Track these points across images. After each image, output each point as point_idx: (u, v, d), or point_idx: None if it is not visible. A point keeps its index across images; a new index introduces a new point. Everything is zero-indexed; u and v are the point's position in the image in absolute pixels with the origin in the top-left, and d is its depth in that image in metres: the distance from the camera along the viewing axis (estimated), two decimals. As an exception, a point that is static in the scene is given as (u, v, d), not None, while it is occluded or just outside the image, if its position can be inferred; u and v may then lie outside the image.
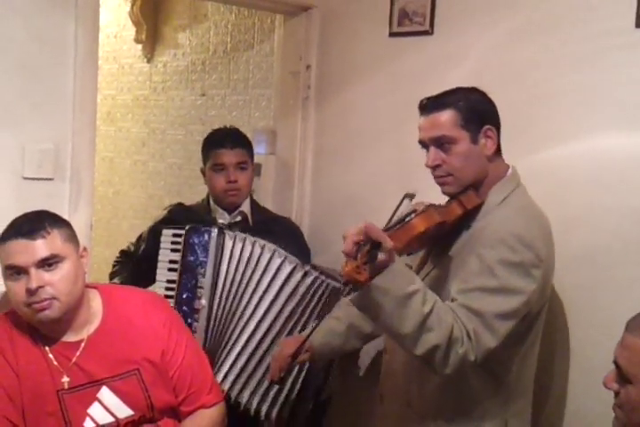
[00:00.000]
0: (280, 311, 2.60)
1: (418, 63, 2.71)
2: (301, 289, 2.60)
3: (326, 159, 3.10)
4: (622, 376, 1.54)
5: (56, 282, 1.92)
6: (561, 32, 2.39)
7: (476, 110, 2.02)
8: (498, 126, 2.07)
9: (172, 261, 2.62)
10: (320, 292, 2.62)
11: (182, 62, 3.97)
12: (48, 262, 1.92)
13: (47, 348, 2.01)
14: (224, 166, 2.75)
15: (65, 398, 1.98)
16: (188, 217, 2.76)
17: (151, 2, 4.00)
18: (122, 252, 2.92)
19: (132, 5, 4.00)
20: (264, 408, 2.59)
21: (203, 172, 2.85)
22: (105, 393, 2.02)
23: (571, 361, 2.38)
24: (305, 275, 2.60)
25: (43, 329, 2.00)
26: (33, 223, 1.96)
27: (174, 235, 2.62)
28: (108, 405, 2.02)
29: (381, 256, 1.72)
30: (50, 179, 2.42)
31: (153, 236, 2.74)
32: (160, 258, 2.63)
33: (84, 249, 2.08)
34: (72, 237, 2.02)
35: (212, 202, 2.83)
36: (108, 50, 4.27)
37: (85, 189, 2.50)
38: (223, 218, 2.79)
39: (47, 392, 1.98)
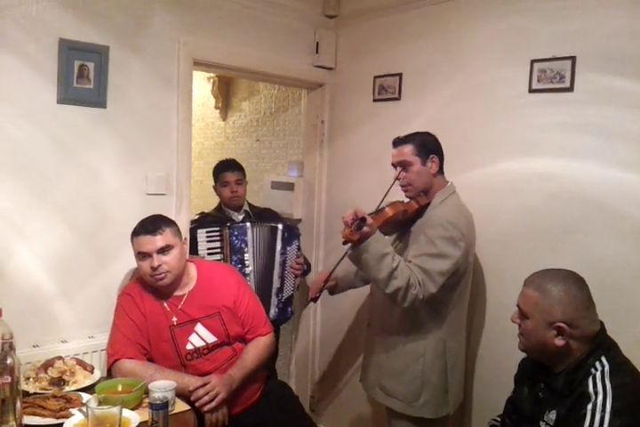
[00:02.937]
0: (258, 251, 2.69)
1: (391, 118, 2.73)
2: (259, 233, 2.70)
3: (334, 179, 3.10)
4: (522, 314, 1.56)
5: (169, 262, 1.99)
6: (480, 97, 2.39)
7: (426, 145, 2.06)
8: (441, 155, 2.11)
9: (209, 248, 2.65)
10: (262, 230, 2.71)
11: (244, 120, 4.01)
12: (163, 250, 1.98)
13: (163, 299, 2.07)
14: (228, 183, 2.82)
15: (174, 330, 2.04)
16: (210, 219, 2.82)
17: (224, 83, 4.04)
18: None
19: (213, 85, 4.04)
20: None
21: (214, 188, 2.91)
22: (199, 327, 2.07)
23: (488, 304, 2.38)
24: (255, 226, 2.71)
25: (160, 289, 2.05)
26: (154, 224, 2.02)
27: (207, 231, 2.66)
28: (201, 334, 2.06)
29: (366, 228, 1.78)
30: (163, 194, 2.46)
31: (190, 235, 2.72)
32: (200, 248, 2.64)
33: (185, 239, 2.13)
34: (178, 233, 2.07)
35: (223, 207, 2.87)
36: (199, 113, 4.28)
37: (185, 200, 2.54)
38: (235, 216, 2.85)
39: (163, 327, 2.03)
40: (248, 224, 2.67)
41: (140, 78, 2.35)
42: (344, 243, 1.84)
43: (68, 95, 2.14)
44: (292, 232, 2.78)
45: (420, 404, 2.03)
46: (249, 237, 2.65)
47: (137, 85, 2.34)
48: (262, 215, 2.88)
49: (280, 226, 2.73)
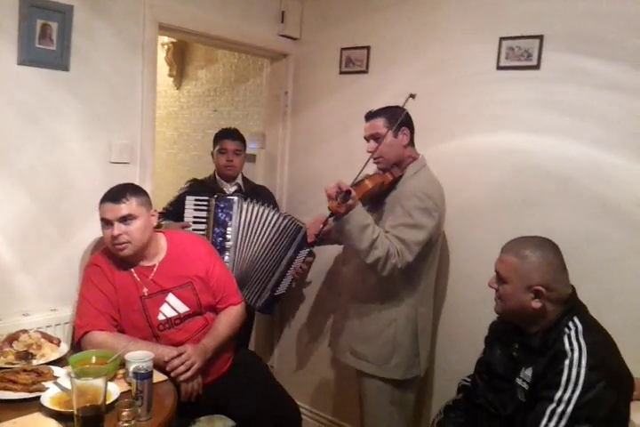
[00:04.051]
0: (271, 242, 2.61)
1: (358, 91, 2.73)
2: (282, 227, 2.61)
3: (298, 152, 3.09)
4: (500, 279, 1.63)
5: (130, 232, 1.94)
6: (449, 72, 2.42)
7: (397, 118, 2.08)
8: (412, 128, 2.15)
9: (195, 217, 2.59)
10: (290, 227, 2.62)
11: (200, 89, 3.91)
12: (125, 219, 1.93)
13: (132, 269, 2.02)
14: (226, 151, 2.75)
15: (145, 301, 2.01)
16: (202, 187, 2.75)
17: (179, 50, 3.92)
18: (160, 213, 2.80)
19: (167, 52, 3.91)
20: (254, 300, 2.62)
21: (212, 153, 2.84)
22: (171, 297, 2.04)
23: (451, 273, 2.46)
24: (284, 218, 2.61)
25: (124, 259, 2.00)
26: (119, 192, 1.96)
27: (197, 199, 2.60)
28: (173, 304, 2.04)
29: (350, 201, 1.82)
30: (127, 163, 2.39)
31: (177, 202, 2.70)
32: (186, 215, 2.59)
33: (154, 211, 2.07)
34: (145, 203, 2.01)
35: (217, 177, 2.81)
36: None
37: (149, 170, 2.48)
38: (226, 187, 2.78)
39: (133, 298, 2.00)
40: (235, 198, 2.59)
41: (105, 41, 2.25)
42: (330, 215, 1.87)
43: (29, 56, 2.03)
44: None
45: (391, 366, 2.11)
46: (234, 212, 2.56)
47: (101, 49, 2.25)
48: (256, 192, 2.80)
49: (304, 227, 2.63)
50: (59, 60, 2.12)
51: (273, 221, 2.60)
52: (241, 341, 2.49)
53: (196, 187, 2.77)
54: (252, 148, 3.24)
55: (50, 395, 1.60)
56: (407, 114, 2.14)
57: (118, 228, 1.92)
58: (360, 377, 2.21)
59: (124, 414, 1.45)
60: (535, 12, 2.18)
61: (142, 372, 1.53)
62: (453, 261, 2.45)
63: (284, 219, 2.61)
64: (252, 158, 3.18)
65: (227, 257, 2.53)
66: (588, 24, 2.06)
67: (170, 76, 4.00)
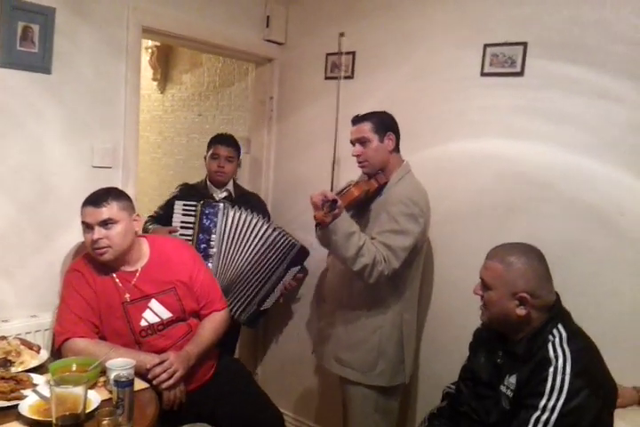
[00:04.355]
0: (259, 255, 2.58)
1: (343, 96, 2.70)
2: (271, 240, 2.59)
3: (282, 157, 3.08)
4: (485, 286, 1.62)
5: (111, 236, 1.91)
6: (433, 78, 2.43)
7: (383, 123, 2.11)
8: (397, 133, 2.16)
9: (183, 222, 2.56)
10: (282, 242, 2.61)
11: (185, 94, 3.88)
12: (106, 223, 1.91)
13: (114, 274, 1.99)
14: (218, 156, 2.72)
15: (127, 307, 1.98)
16: (192, 192, 2.71)
17: (163, 54, 3.89)
18: (150, 216, 2.78)
19: (151, 56, 3.88)
20: (238, 313, 2.60)
21: (205, 158, 2.79)
22: (153, 303, 2.01)
23: (436, 280, 2.46)
24: (273, 231, 2.60)
25: (106, 264, 1.98)
26: (100, 196, 1.94)
27: (185, 204, 2.58)
28: (156, 310, 2.01)
29: (336, 210, 1.82)
30: (109, 167, 2.36)
31: (167, 206, 2.68)
32: (174, 219, 2.56)
33: (137, 215, 2.04)
34: (127, 207, 1.98)
35: (208, 182, 2.77)
36: (134, 85, 4.14)
37: (132, 175, 2.45)
38: (216, 193, 2.73)
39: (115, 303, 1.97)
40: (221, 205, 2.56)
41: (88, 44, 2.23)
42: (317, 225, 1.87)
43: (10, 59, 2.01)
44: (304, 255, 2.70)
45: (376, 373, 2.10)
46: (219, 218, 2.53)
47: (84, 52, 2.23)
48: (246, 199, 2.76)
49: (298, 245, 2.62)
50: (40, 63, 2.10)
51: (261, 232, 2.58)
52: (226, 348, 2.47)
53: (185, 191, 2.74)
54: (236, 152, 3.24)
55: (29, 403, 1.57)
56: (393, 119, 2.17)
57: (98, 232, 1.90)
58: (344, 385, 2.20)
59: (105, 422, 1.43)
60: (519, 19, 2.19)
61: (123, 380, 1.51)
62: (438, 267, 2.45)
63: (273, 231, 2.59)
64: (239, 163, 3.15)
65: (210, 264, 2.51)
66: (572, 31, 2.08)
67: (154, 80, 3.96)
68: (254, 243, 2.57)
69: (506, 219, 2.24)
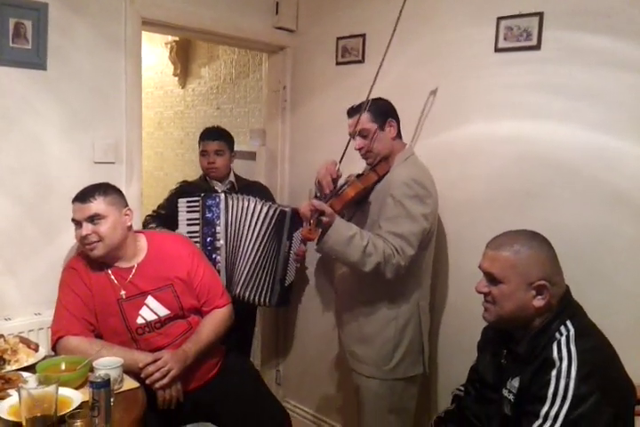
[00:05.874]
0: (262, 235, 2.53)
1: (355, 82, 2.61)
2: (263, 216, 2.52)
3: (297, 148, 3.00)
4: (493, 280, 1.45)
5: (100, 231, 1.89)
6: (445, 57, 2.30)
7: (381, 110, 2.01)
8: (397, 119, 2.05)
9: (189, 219, 2.51)
10: (273, 214, 2.53)
11: (204, 87, 3.84)
12: (92, 218, 1.88)
13: (109, 271, 1.96)
14: (207, 152, 2.66)
15: (122, 304, 1.95)
16: (191, 188, 2.67)
17: (182, 48, 3.86)
18: (149, 216, 2.71)
19: (171, 51, 3.87)
20: (254, 297, 2.55)
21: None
22: (150, 300, 1.97)
23: (451, 271, 2.34)
24: (262, 206, 2.53)
25: (100, 261, 1.95)
26: (87, 192, 1.92)
27: (188, 201, 2.52)
28: (153, 307, 1.97)
29: (325, 219, 1.76)
30: (112, 163, 2.33)
31: (169, 205, 2.63)
32: (180, 218, 2.51)
33: (128, 209, 2.00)
34: (115, 202, 1.95)
35: (207, 177, 2.72)
36: (157, 81, 4.14)
37: (136, 170, 2.42)
38: (219, 187, 2.69)
39: (110, 301, 1.94)
40: (221, 195, 2.51)
41: (84, 39, 2.20)
42: (302, 241, 1.81)
43: (4, 56, 2.00)
44: (299, 216, 2.60)
45: (391, 367, 2.02)
46: (221, 209, 2.48)
47: (80, 47, 2.19)
48: (249, 189, 2.70)
49: (288, 210, 2.56)
50: (35, 60, 2.08)
51: (257, 213, 2.52)
52: (237, 345, 2.41)
53: (185, 188, 2.70)
54: (254, 145, 3.18)
55: (10, 403, 1.53)
56: (390, 104, 2.08)
57: (86, 228, 1.88)
58: (357, 379, 2.10)
59: (76, 425, 1.38)
60: (533, -13, 2.02)
61: (98, 380, 1.45)
62: (453, 258, 2.32)
63: (262, 207, 2.53)
64: (253, 156, 3.10)
65: (219, 257, 2.46)
66: (591, -2, 1.90)
67: (174, 75, 3.94)
68: (256, 226, 2.53)
69: (525, 205, 2.09)
